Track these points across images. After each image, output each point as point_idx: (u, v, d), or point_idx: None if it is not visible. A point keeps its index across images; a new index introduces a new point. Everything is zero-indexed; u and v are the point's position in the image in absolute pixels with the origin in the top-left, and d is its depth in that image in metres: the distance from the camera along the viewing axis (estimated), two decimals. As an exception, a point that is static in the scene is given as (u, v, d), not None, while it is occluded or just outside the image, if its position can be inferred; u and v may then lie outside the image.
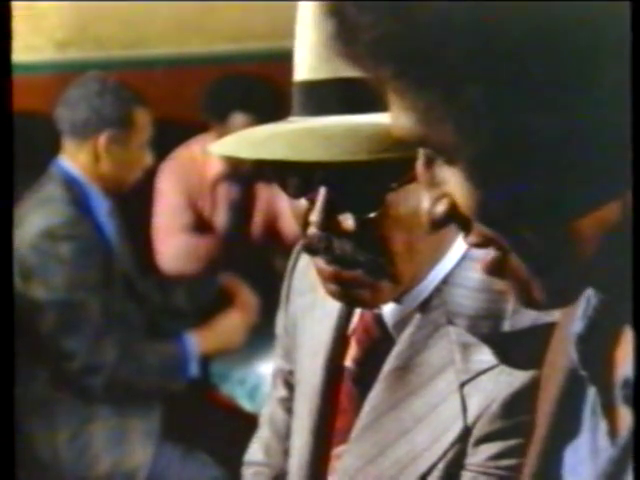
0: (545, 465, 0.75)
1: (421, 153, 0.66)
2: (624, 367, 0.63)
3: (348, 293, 0.97)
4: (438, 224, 0.66)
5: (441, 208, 0.65)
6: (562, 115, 0.56)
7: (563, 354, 0.73)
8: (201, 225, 2.71)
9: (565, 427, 0.72)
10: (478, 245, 0.66)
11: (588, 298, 0.69)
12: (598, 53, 0.55)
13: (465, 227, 0.65)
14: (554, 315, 0.90)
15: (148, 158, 2.33)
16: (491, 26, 0.55)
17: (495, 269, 0.66)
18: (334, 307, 1.08)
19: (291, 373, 1.18)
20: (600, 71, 0.55)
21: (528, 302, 0.67)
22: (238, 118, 2.54)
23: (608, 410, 0.67)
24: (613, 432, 0.66)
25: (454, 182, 0.62)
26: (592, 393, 0.70)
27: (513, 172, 0.59)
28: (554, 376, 0.76)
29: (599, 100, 0.56)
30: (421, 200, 0.66)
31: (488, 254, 0.66)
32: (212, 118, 2.62)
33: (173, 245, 2.67)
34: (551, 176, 0.59)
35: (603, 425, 0.67)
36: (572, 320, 0.71)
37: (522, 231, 0.62)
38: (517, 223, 0.62)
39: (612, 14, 0.55)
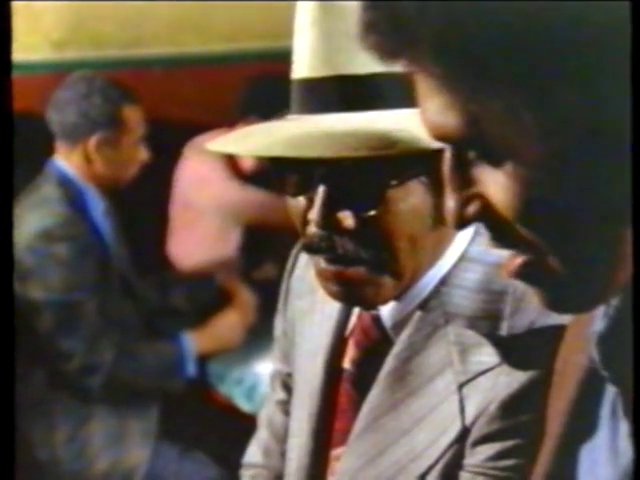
0: (559, 464, 0.74)
1: (449, 152, 0.64)
2: None
3: (350, 292, 0.96)
4: (465, 223, 0.65)
5: (473, 208, 0.64)
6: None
7: (580, 352, 0.72)
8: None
9: (581, 426, 0.72)
10: (509, 247, 0.64)
11: None
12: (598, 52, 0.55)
13: (495, 228, 0.64)
14: (553, 317, 0.90)
15: (143, 154, 2.31)
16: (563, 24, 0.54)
17: (525, 273, 0.65)
18: (333, 309, 1.08)
19: (289, 375, 1.18)
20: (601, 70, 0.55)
21: (554, 305, 0.66)
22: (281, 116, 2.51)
23: (630, 411, 0.66)
24: (635, 433, 0.65)
25: (495, 183, 0.61)
26: (612, 393, 0.69)
27: (565, 176, 0.58)
28: (570, 374, 0.75)
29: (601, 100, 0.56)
30: (446, 199, 0.65)
31: (515, 258, 0.65)
32: (253, 116, 2.58)
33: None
34: (607, 181, 0.58)
35: (624, 426, 0.67)
36: (591, 319, 0.70)
37: (568, 236, 0.61)
38: (564, 227, 0.60)
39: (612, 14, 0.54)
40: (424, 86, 0.61)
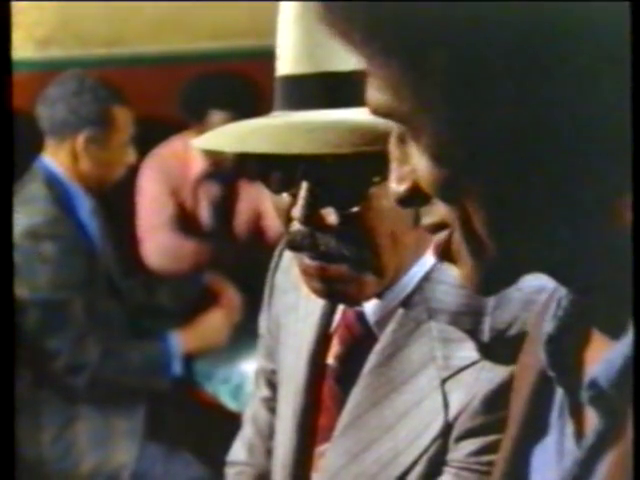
0: (514, 466, 0.74)
1: (394, 130, 0.64)
2: (592, 368, 0.63)
3: (332, 289, 0.96)
4: (402, 203, 0.64)
5: (404, 186, 0.63)
6: (532, 103, 0.55)
7: (534, 355, 0.72)
8: (184, 220, 2.70)
9: (534, 428, 0.71)
10: (433, 227, 0.64)
11: (559, 299, 0.68)
12: (596, 54, 0.55)
13: (421, 206, 0.63)
14: (534, 312, 0.90)
15: (131, 156, 2.32)
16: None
17: (443, 251, 0.64)
18: (317, 305, 1.08)
19: (274, 373, 1.18)
20: (598, 70, 0.55)
21: (470, 286, 0.64)
22: (216, 116, 2.54)
23: (575, 411, 0.66)
24: (579, 433, 0.65)
25: (417, 157, 0.60)
26: (560, 394, 0.69)
27: (475, 150, 0.57)
28: (525, 377, 0.75)
29: (598, 96, 0.56)
30: (390, 179, 0.64)
31: (439, 237, 0.64)
32: (190, 116, 2.62)
33: (158, 243, 2.67)
34: (514, 162, 0.57)
35: (570, 426, 0.66)
36: (543, 321, 0.70)
37: (470, 209, 0.60)
38: (468, 198, 0.59)
39: (612, 14, 0.54)
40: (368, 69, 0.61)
